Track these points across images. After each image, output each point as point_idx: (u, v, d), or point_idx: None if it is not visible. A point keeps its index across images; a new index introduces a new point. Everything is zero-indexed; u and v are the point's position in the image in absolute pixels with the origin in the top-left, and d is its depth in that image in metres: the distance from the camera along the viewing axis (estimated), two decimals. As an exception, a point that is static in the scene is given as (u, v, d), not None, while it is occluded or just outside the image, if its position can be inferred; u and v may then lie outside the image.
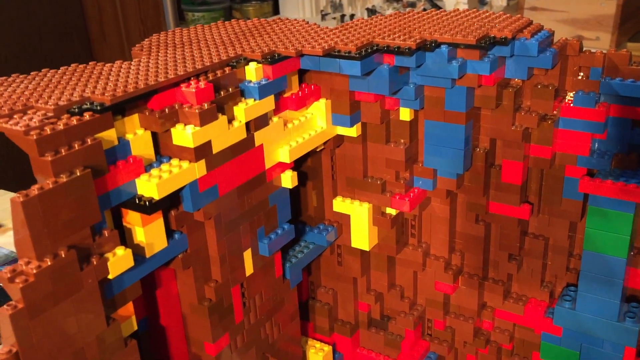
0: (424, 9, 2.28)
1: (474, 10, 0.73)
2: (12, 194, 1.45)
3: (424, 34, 0.65)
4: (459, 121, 0.68)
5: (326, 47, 0.63)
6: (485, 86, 0.67)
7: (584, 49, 0.69)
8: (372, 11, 2.52)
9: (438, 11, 0.74)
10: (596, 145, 0.71)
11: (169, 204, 0.55)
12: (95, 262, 0.48)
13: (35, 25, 2.40)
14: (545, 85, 0.68)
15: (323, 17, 2.53)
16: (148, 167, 0.54)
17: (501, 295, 0.78)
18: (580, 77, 0.69)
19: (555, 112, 0.70)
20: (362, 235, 0.75)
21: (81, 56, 2.78)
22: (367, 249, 0.76)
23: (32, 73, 0.59)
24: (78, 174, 0.46)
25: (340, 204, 0.75)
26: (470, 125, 0.70)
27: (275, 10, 2.80)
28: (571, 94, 0.69)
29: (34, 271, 0.43)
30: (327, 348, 0.81)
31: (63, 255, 0.45)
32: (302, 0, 2.64)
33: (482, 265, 0.78)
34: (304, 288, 0.83)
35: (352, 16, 2.49)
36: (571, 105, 0.68)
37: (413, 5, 2.52)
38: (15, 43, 2.30)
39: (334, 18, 2.51)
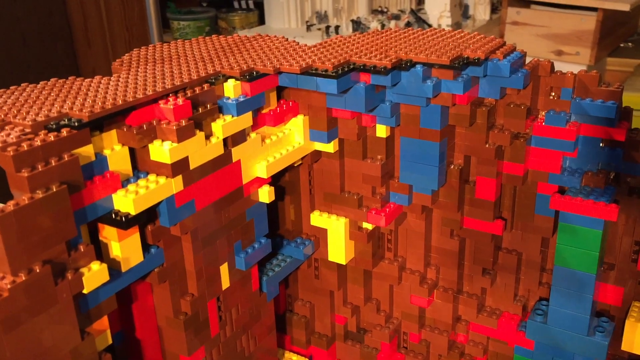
0: (408, 22, 2.30)
1: (450, 30, 0.75)
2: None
3: (399, 53, 0.67)
4: (434, 138, 0.70)
5: (304, 65, 0.65)
6: (459, 105, 0.69)
7: (564, 63, 0.71)
8: (357, 23, 2.54)
9: (414, 30, 0.76)
10: (567, 163, 0.73)
11: (145, 219, 0.55)
12: (70, 277, 0.48)
13: (20, 31, 2.39)
14: (518, 105, 0.70)
15: (308, 27, 2.55)
16: (125, 183, 0.55)
17: (475, 309, 0.80)
18: (551, 97, 0.71)
19: (527, 130, 0.71)
20: (338, 249, 0.76)
21: (65, 62, 2.77)
22: (343, 262, 0.77)
23: (11, 87, 0.59)
24: (54, 189, 0.47)
25: (318, 218, 0.76)
26: (445, 142, 0.71)
27: (261, 20, 2.81)
28: (543, 113, 0.71)
29: (9, 286, 0.44)
30: (304, 360, 0.82)
31: (38, 270, 0.46)
32: (288, 11, 2.66)
33: (457, 279, 0.79)
34: (282, 301, 0.84)
35: (337, 27, 2.51)
36: (543, 124, 0.70)
37: (397, 17, 2.54)
38: (-1, 49, 2.28)
39: (319, 29, 2.52)
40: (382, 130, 0.71)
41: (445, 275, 0.80)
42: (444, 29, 0.76)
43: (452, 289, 0.80)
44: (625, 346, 0.74)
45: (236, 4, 2.92)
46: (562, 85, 0.69)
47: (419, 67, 0.65)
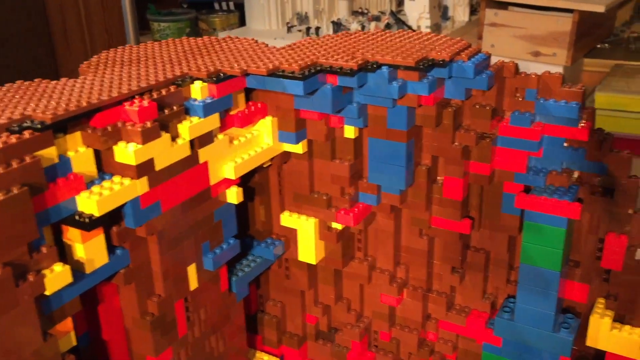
0: (388, 24, 2.31)
1: (417, 32, 0.76)
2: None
3: (366, 55, 0.68)
4: (401, 139, 0.70)
5: (271, 67, 0.65)
6: (425, 106, 0.70)
7: (542, 64, 0.72)
8: (337, 24, 2.55)
9: (382, 33, 0.77)
10: (532, 163, 0.74)
11: (109, 221, 0.55)
12: (31, 279, 0.49)
13: (-1, 33, 2.37)
14: (483, 106, 0.71)
15: (289, 29, 2.56)
16: (90, 184, 0.55)
17: (444, 307, 0.81)
18: (516, 98, 0.72)
19: (493, 130, 0.72)
20: (309, 249, 0.77)
21: (45, 64, 2.75)
22: (314, 262, 0.78)
23: (-25, 90, 0.59)
24: (15, 192, 0.47)
25: (288, 219, 0.77)
26: (412, 143, 0.72)
27: (242, 22, 2.81)
28: (508, 114, 0.73)
29: (-32, 288, 0.44)
30: (275, 360, 0.82)
31: (-2, 272, 0.46)
32: (268, 12, 2.66)
33: (426, 278, 0.80)
34: (253, 301, 0.85)
35: (317, 29, 2.52)
36: (508, 124, 0.71)
37: (378, 19, 2.56)
38: (-24, 50, 2.26)
39: (300, 30, 2.53)
40: (350, 131, 0.72)
41: (414, 274, 0.81)
42: (411, 31, 0.77)
43: (422, 288, 0.81)
44: (590, 342, 0.76)
45: (217, 6, 2.92)
46: (526, 86, 0.71)
47: (384, 69, 0.66)
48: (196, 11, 2.86)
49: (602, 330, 0.74)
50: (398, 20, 2.53)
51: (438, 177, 0.76)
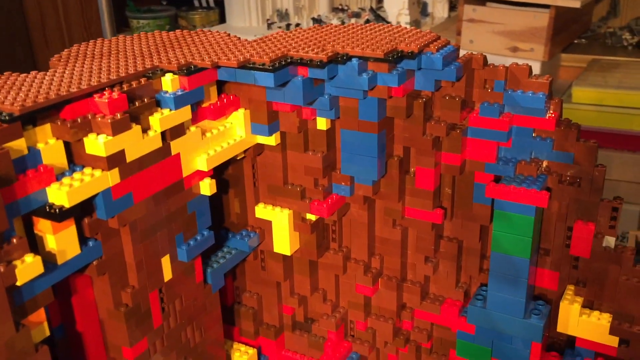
0: (367, 20, 2.33)
1: (387, 25, 0.77)
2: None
3: (336, 47, 0.69)
4: (372, 130, 0.71)
5: (241, 59, 0.66)
6: (395, 97, 0.71)
7: (520, 59, 0.73)
8: (317, 20, 2.56)
9: (353, 25, 0.78)
10: (502, 153, 0.75)
11: (80, 212, 0.56)
12: (2, 270, 0.49)
13: (-25, 31, 2.35)
14: (453, 97, 0.72)
15: (269, 26, 2.56)
16: (60, 176, 0.55)
17: (419, 296, 0.82)
18: (485, 89, 0.73)
19: (463, 122, 0.74)
20: (283, 240, 0.78)
21: (23, 62, 2.73)
22: (288, 253, 0.78)
23: (-56, 83, 0.59)
24: (-17, 183, 0.47)
25: (262, 211, 0.77)
26: (384, 134, 0.73)
27: (222, 19, 2.81)
28: (478, 105, 0.74)
29: (-64, 279, 0.44)
30: (252, 351, 0.83)
31: (-33, 263, 0.46)
32: (249, 9, 2.66)
33: (400, 268, 0.81)
34: (229, 293, 0.85)
35: (297, 25, 2.52)
36: (477, 115, 0.73)
37: (358, 15, 2.57)
38: (-47, 49, 2.24)
39: (280, 27, 2.53)
40: (322, 123, 0.73)
41: (389, 264, 0.82)
42: (382, 24, 0.78)
43: (396, 277, 0.82)
44: (560, 328, 0.77)
45: (196, 3, 2.91)
46: (495, 78, 0.72)
47: (354, 61, 0.67)
48: (176, 8, 2.85)
49: (571, 316, 0.76)
50: (378, 16, 2.55)
51: (410, 168, 0.77)
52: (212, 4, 2.91)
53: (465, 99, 0.73)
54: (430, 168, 0.75)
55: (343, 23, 2.51)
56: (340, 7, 2.73)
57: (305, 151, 0.75)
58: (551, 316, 0.79)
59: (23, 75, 0.61)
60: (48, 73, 0.62)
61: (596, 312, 0.75)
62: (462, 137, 0.73)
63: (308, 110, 0.72)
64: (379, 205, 0.79)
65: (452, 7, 2.72)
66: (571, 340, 0.80)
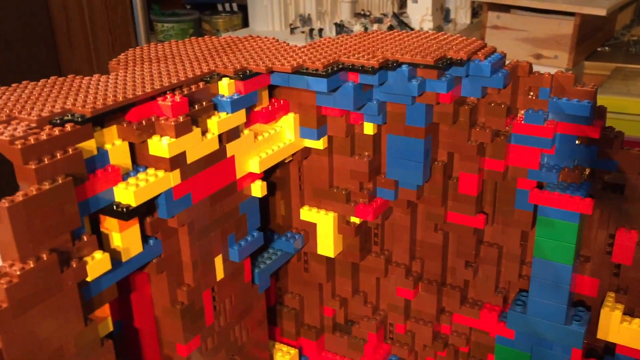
0: (391, 26, 2.34)
1: (433, 32, 0.78)
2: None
3: (386, 53, 0.70)
4: (419, 135, 0.73)
5: (295, 65, 0.67)
6: (443, 103, 0.72)
7: (543, 66, 0.74)
8: (340, 26, 2.58)
9: (399, 32, 0.79)
10: (545, 160, 0.76)
11: (145, 211, 0.58)
12: (74, 265, 0.51)
13: (1, 33, 2.38)
14: (498, 104, 0.73)
15: (292, 30, 2.58)
16: (125, 176, 0.57)
17: (458, 301, 0.83)
18: (530, 97, 0.74)
19: (507, 128, 0.75)
20: (327, 242, 0.79)
21: (48, 65, 2.77)
22: (332, 256, 0.80)
23: (13, 85, 0.61)
24: (60, 181, 0.49)
25: (307, 213, 0.79)
26: (430, 139, 0.74)
27: (245, 23, 2.83)
28: (522, 112, 0.75)
29: (18, 272, 0.46)
30: (294, 351, 0.84)
31: (45, 258, 0.48)
32: (272, 13, 2.68)
33: (441, 272, 0.83)
34: (272, 293, 0.87)
35: (320, 30, 2.54)
36: (522, 122, 0.74)
37: (380, 21, 2.58)
38: (-20, 51, 2.27)
39: (303, 32, 2.55)
40: (369, 128, 0.74)
41: (429, 268, 0.83)
42: (427, 31, 0.79)
43: (436, 281, 0.83)
44: (600, 334, 0.78)
45: (220, 7, 2.94)
46: (540, 85, 0.73)
47: (404, 67, 0.68)
48: (199, 12, 2.88)
49: (612, 323, 0.77)
50: (400, 22, 2.56)
51: (453, 174, 0.78)
52: (235, 8, 2.94)
53: (510, 105, 0.74)
54: (474, 174, 0.76)
55: (366, 28, 2.53)
56: (362, 12, 2.75)
57: (352, 155, 0.76)
58: (590, 323, 0.79)
59: (87, 78, 0.63)
60: (111, 76, 0.63)
61: (637, 320, 0.76)
62: (505, 143, 0.74)
63: (356, 115, 0.74)
64: (421, 210, 0.81)
65: (475, 13, 2.73)
66: (610, 348, 0.81)
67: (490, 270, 0.82)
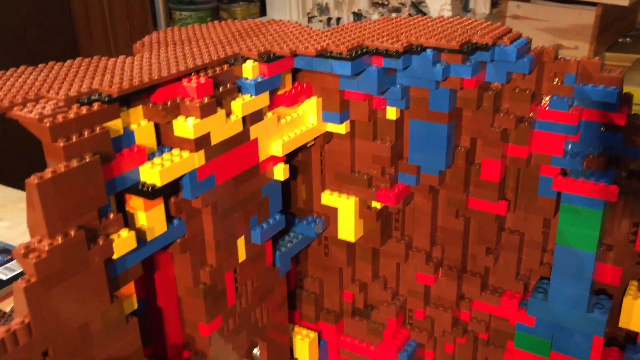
0: (409, 15, 2.33)
1: (457, 17, 0.78)
2: (0, 186, 1.45)
3: (410, 38, 0.70)
4: (442, 120, 0.72)
5: (319, 48, 0.67)
6: (467, 88, 0.71)
7: (564, 56, 0.73)
8: (358, 15, 2.56)
9: (423, 17, 0.79)
10: (569, 147, 0.75)
11: (170, 191, 0.58)
12: (101, 243, 0.51)
13: (20, 21, 2.40)
14: (523, 89, 0.73)
15: (310, 19, 2.57)
16: (151, 156, 0.58)
17: (478, 287, 0.83)
18: (555, 83, 0.73)
19: (532, 114, 0.74)
20: (348, 227, 0.79)
21: (66, 53, 2.78)
22: (352, 240, 0.80)
23: (39, 65, 0.62)
24: (88, 159, 0.50)
25: (328, 197, 0.79)
26: (453, 125, 0.74)
27: (262, 12, 2.83)
28: (547, 98, 0.74)
29: (46, 248, 0.47)
30: (313, 335, 0.85)
31: (72, 235, 0.48)
32: (289, 2, 2.67)
33: (461, 258, 0.82)
34: (292, 277, 0.87)
35: (338, 19, 2.53)
36: (547, 108, 0.73)
37: (398, 10, 2.57)
38: (-2, 39, 2.29)
39: (320, 21, 2.55)
40: (392, 113, 0.74)
41: (450, 254, 0.83)
42: (452, 17, 0.78)
43: (457, 268, 0.83)
44: (622, 323, 0.77)
45: (238, -5, 2.94)
46: (566, 71, 0.72)
47: (429, 51, 0.68)
48: (217, 1, 2.88)
49: (635, 311, 0.76)
50: (419, 11, 2.54)
51: (476, 160, 0.78)
52: (253, -4, 2.93)
53: (535, 92, 0.73)
54: (496, 159, 0.75)
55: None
56: (380, 2, 2.73)
57: (374, 140, 0.76)
58: (612, 312, 0.79)
59: (112, 59, 0.63)
60: (136, 58, 0.64)
61: (660, 308, 0.75)
62: (529, 130, 0.74)
63: (379, 100, 0.73)
64: (442, 196, 0.80)
65: (494, 3, 2.70)
66: (632, 336, 0.80)
67: (511, 257, 0.82)
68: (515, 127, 0.73)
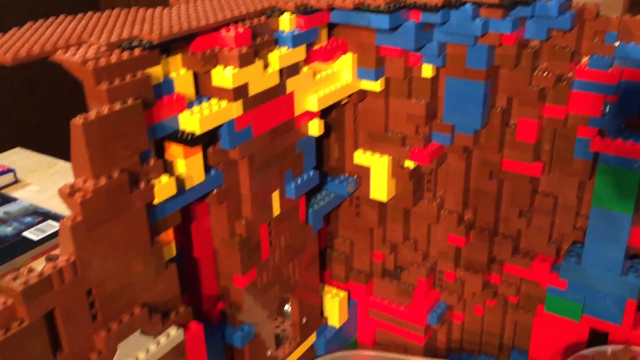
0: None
1: (497, -27, 0.76)
2: (29, 152, 1.48)
3: (449, -8, 0.68)
4: (479, 78, 0.71)
5: (356, 1, 0.66)
6: (505, 45, 0.70)
7: (605, 14, 0.72)
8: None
9: (462, -27, 0.77)
10: (608, 107, 0.74)
11: (207, 141, 0.58)
12: (142, 187, 0.52)
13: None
14: (562, 47, 0.71)
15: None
16: (189, 105, 0.58)
17: (510, 250, 0.82)
18: (595, 41, 0.72)
19: (570, 74, 0.73)
20: (380, 186, 0.79)
21: (85, 7, 2.77)
22: (384, 200, 0.80)
23: (78, 15, 0.62)
24: (130, 103, 0.50)
25: (361, 156, 0.79)
26: (489, 83, 0.73)
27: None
28: (586, 57, 0.73)
29: (91, 188, 0.47)
30: (343, 294, 0.85)
31: (116, 177, 0.49)
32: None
33: (493, 221, 0.82)
34: (322, 237, 0.87)
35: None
36: (586, 67, 0.72)
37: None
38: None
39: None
40: (428, 70, 0.73)
41: (482, 216, 0.82)
42: (490, -27, 0.77)
43: (489, 230, 0.82)
44: (656, 288, 0.76)
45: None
46: (607, 29, 0.71)
47: (468, 6, 0.67)
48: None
49: (669, 275, 0.75)
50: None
51: (511, 120, 0.77)
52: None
53: (574, 50, 0.72)
54: (533, 120, 0.74)
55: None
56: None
57: (409, 98, 0.75)
58: (646, 276, 0.78)
59: (151, 9, 0.63)
60: (173, 9, 0.64)
61: (697, 273, 0.74)
62: (567, 90, 0.72)
63: (415, 57, 0.72)
64: (476, 157, 0.79)
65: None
66: (665, 302, 0.79)
67: (544, 220, 0.81)
68: (554, 86, 0.72)
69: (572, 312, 0.81)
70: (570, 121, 0.75)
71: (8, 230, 1.11)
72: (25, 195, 1.26)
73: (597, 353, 0.76)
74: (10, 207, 1.19)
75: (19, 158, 1.46)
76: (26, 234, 1.10)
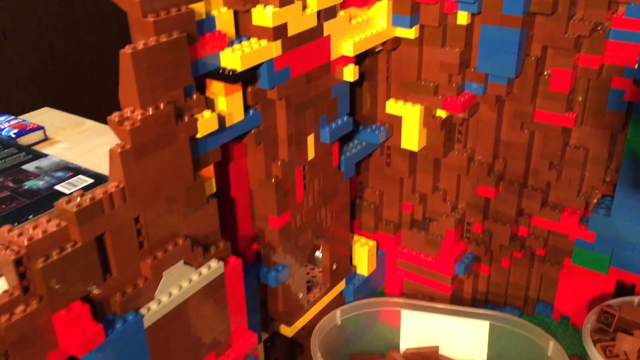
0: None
1: None
2: (57, 111, 1.49)
3: (487, -63, 0.68)
4: (515, 25, 0.71)
5: (394, -55, 0.66)
6: (542, -9, 0.70)
7: None
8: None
9: None
10: (643, 58, 0.74)
11: (248, 77, 0.59)
12: (187, 120, 0.52)
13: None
14: (600, -5, 0.71)
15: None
16: (230, 44, 0.58)
17: (539, 203, 0.83)
18: (634, -11, 0.71)
19: (606, 23, 0.72)
20: (412, 136, 0.79)
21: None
22: (415, 149, 0.80)
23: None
24: (175, 36, 0.51)
25: (393, 106, 0.79)
26: (525, 30, 0.72)
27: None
28: (623, 6, 0.72)
29: (140, 117, 0.48)
30: (372, 243, 0.86)
31: (162, 108, 0.50)
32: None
33: (523, 173, 0.82)
34: (352, 188, 0.88)
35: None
36: (623, 16, 0.71)
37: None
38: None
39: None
40: (463, 17, 0.73)
41: (512, 168, 0.82)
42: None
43: (518, 182, 0.82)
44: (686, 239, 0.77)
45: None
46: (646, -23, 0.70)
47: (507, -50, 0.66)
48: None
49: (700, 227, 0.75)
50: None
51: (545, 70, 0.76)
52: None
53: (611, -1, 0.71)
54: (567, 69, 0.74)
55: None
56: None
57: (443, 46, 0.75)
58: (676, 229, 0.78)
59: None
60: (212, -51, 0.64)
61: None
62: (603, 39, 0.72)
63: (450, 3, 0.72)
64: (508, 107, 0.79)
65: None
66: (694, 255, 0.79)
67: (574, 173, 0.81)
68: (590, 34, 0.72)
69: (600, 264, 0.82)
70: (605, 72, 0.75)
71: (40, 184, 1.13)
72: (56, 152, 1.28)
73: (623, 303, 0.77)
74: (42, 162, 1.21)
75: (48, 117, 1.48)
76: (58, 187, 1.12)
